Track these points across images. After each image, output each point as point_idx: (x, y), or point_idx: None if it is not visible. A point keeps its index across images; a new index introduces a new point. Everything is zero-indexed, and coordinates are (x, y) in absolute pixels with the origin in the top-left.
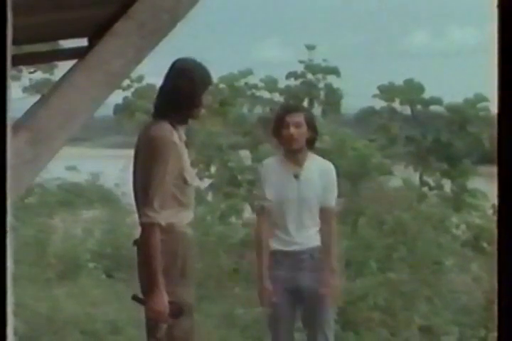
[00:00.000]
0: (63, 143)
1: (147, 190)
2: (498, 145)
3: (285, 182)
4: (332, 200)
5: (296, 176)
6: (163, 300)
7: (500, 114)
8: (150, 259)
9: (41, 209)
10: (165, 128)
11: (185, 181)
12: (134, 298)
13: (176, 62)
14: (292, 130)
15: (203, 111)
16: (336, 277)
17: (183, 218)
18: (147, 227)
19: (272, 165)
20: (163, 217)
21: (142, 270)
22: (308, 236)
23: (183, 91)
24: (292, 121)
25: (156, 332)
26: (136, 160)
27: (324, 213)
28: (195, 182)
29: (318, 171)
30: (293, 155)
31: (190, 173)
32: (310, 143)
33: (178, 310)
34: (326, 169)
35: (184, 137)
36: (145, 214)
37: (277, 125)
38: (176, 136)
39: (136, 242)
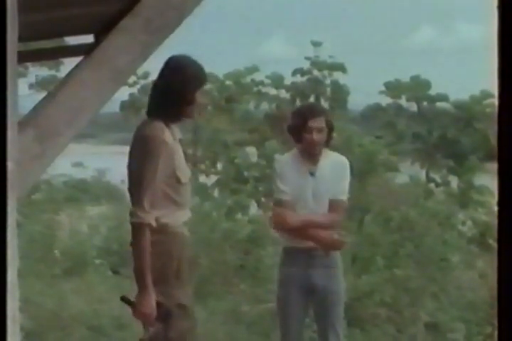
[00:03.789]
0: (70, 139)
1: (137, 189)
2: (499, 142)
3: (301, 180)
4: (342, 193)
5: (312, 174)
6: (150, 303)
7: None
8: (138, 260)
9: (47, 206)
10: (156, 127)
11: (178, 180)
12: (123, 298)
13: (169, 59)
14: (315, 136)
15: (198, 109)
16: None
17: (178, 218)
18: (136, 227)
19: (288, 162)
20: (154, 217)
21: (133, 271)
22: None
23: (176, 89)
24: (315, 126)
25: (144, 334)
26: (129, 159)
27: (333, 205)
28: (188, 180)
29: (332, 166)
30: (310, 153)
31: (184, 172)
32: (327, 143)
33: (165, 313)
34: (340, 163)
35: (178, 135)
36: (134, 214)
37: (299, 128)
38: (167, 134)
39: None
